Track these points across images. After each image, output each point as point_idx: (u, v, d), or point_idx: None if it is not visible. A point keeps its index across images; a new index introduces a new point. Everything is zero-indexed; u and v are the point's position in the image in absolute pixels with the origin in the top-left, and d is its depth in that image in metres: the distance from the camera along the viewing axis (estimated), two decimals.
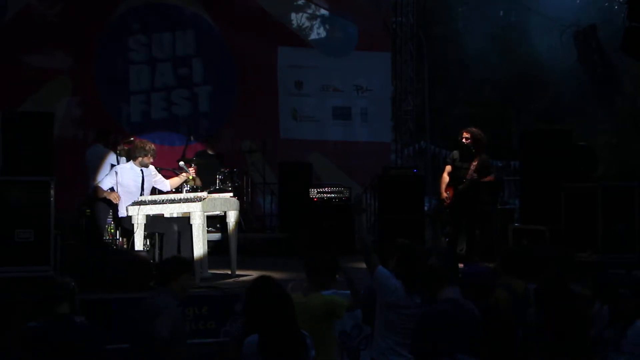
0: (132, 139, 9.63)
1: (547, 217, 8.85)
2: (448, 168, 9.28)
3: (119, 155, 9.23)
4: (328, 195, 11.11)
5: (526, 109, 21.65)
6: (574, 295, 5.14)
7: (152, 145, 8.19)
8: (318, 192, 11.15)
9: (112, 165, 8.94)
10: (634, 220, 8.43)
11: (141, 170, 8.12)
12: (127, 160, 8.50)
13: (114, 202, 7.94)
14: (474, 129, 9.17)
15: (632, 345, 4.92)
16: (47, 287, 4.74)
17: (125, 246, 8.07)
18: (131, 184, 8.03)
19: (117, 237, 8.26)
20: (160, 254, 7.80)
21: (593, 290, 5.55)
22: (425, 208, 10.73)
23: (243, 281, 7.84)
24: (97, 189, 8.16)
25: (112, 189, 8.02)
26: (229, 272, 8.12)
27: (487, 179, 9.04)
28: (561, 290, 5.01)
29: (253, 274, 8.23)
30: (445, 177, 9.22)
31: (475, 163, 8.97)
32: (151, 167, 8.26)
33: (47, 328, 4.47)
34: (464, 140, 9.08)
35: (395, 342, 4.82)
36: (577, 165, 9.21)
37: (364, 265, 5.10)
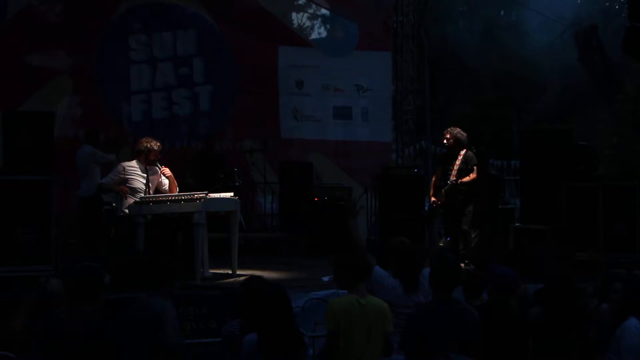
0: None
1: (548, 217, 8.85)
2: (438, 171, 9.33)
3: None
4: (329, 195, 11.10)
5: (526, 108, 21.65)
6: (578, 295, 5.15)
7: (157, 143, 8.18)
8: (319, 192, 11.14)
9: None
10: (634, 220, 8.43)
11: (146, 168, 8.12)
12: (132, 159, 8.46)
13: (122, 195, 7.92)
14: (454, 129, 9.20)
15: (618, 346, 4.88)
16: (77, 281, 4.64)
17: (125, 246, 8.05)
18: (136, 182, 8.03)
19: (118, 236, 8.24)
20: (162, 254, 7.78)
21: (595, 290, 5.56)
22: (426, 208, 10.73)
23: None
24: (102, 185, 8.15)
25: None
26: (230, 272, 8.11)
27: (467, 179, 9.00)
28: (566, 290, 5.01)
29: (254, 274, 8.24)
30: (435, 181, 9.29)
31: (457, 162, 8.99)
32: (154, 167, 8.25)
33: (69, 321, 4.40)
34: (445, 141, 9.15)
35: (395, 341, 4.82)
36: (577, 165, 9.20)
37: None
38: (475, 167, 9.04)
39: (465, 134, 9.15)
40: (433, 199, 9.18)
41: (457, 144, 9.06)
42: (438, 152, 16.01)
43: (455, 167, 8.95)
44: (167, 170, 8.16)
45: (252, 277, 4.35)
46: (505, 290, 4.99)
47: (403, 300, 4.88)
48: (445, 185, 9.03)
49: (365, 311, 4.60)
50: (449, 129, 9.21)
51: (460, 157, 8.98)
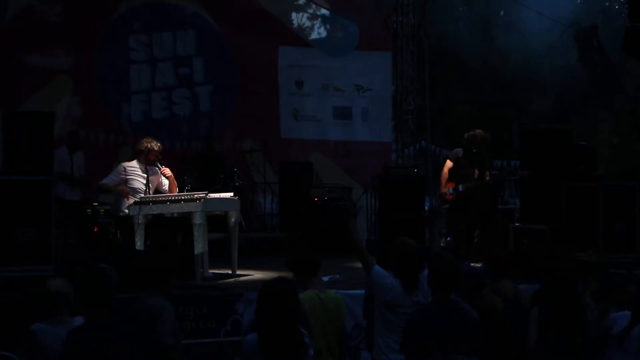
0: None
1: (548, 217, 8.86)
2: (449, 163, 9.30)
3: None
4: (329, 195, 11.10)
5: (526, 108, 21.65)
6: (578, 296, 5.15)
7: (157, 144, 8.19)
8: (319, 192, 11.14)
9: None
10: (634, 220, 8.43)
11: (146, 168, 8.12)
12: (132, 159, 8.46)
13: (124, 196, 7.92)
14: (481, 131, 9.25)
15: (635, 346, 4.91)
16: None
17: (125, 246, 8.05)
18: (136, 182, 8.03)
19: (118, 236, 8.25)
20: (162, 254, 7.77)
21: (599, 290, 5.56)
22: (426, 207, 10.74)
23: (244, 281, 7.85)
24: (102, 186, 8.14)
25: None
26: (230, 272, 8.12)
27: (488, 179, 9.11)
28: (563, 290, 5.00)
29: (253, 274, 8.25)
30: (446, 173, 9.27)
31: (480, 163, 9.07)
32: (154, 167, 8.24)
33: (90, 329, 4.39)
34: (478, 141, 9.16)
35: (394, 340, 4.83)
36: (577, 165, 9.21)
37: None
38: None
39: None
40: (445, 190, 9.20)
41: (484, 147, 9.17)
42: (438, 151, 16.04)
43: (478, 170, 9.05)
44: (167, 171, 8.16)
45: (276, 277, 4.31)
46: (471, 289, 5.05)
47: (403, 299, 4.87)
48: (462, 181, 9.06)
49: (325, 305, 4.87)
50: (478, 131, 9.28)
51: (482, 159, 9.08)
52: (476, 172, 9.06)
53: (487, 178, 9.17)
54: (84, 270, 4.87)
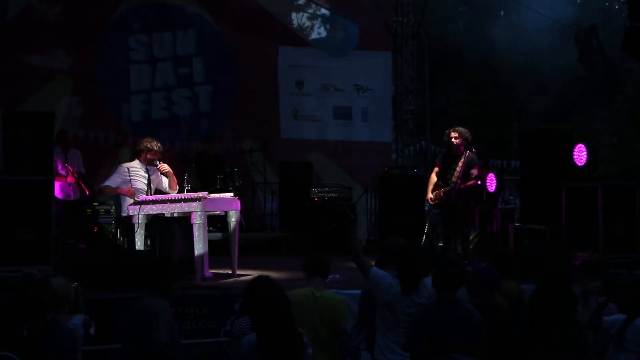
0: None
1: (548, 217, 8.85)
2: (436, 168, 9.23)
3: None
4: (329, 195, 11.10)
5: (526, 108, 21.65)
6: (570, 296, 5.14)
7: (158, 144, 8.18)
8: (319, 192, 11.14)
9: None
10: (634, 219, 8.43)
11: (147, 168, 8.12)
12: (132, 159, 8.45)
13: (130, 196, 7.90)
14: (461, 129, 9.06)
15: (634, 344, 4.92)
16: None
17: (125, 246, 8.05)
18: (138, 183, 8.03)
19: (118, 236, 8.25)
20: (161, 255, 7.79)
21: (602, 289, 5.55)
22: (426, 208, 10.72)
23: (244, 281, 7.84)
24: (106, 188, 8.12)
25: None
26: (230, 272, 8.12)
27: (470, 183, 8.97)
28: (562, 290, 4.99)
29: (254, 274, 8.22)
30: (433, 178, 9.17)
31: (461, 163, 8.87)
32: (154, 167, 8.24)
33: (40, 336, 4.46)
34: (452, 140, 8.98)
35: (394, 340, 4.84)
36: (577, 165, 9.20)
37: None
38: (476, 169, 9.01)
39: (470, 134, 9.08)
40: (431, 195, 9.09)
41: (463, 145, 8.95)
42: (438, 151, 16.04)
43: (458, 169, 8.85)
44: (164, 166, 8.11)
45: (258, 276, 4.39)
46: (488, 287, 5.05)
47: (402, 299, 4.87)
48: (446, 185, 8.94)
49: (319, 303, 4.96)
50: (456, 128, 9.04)
51: (463, 159, 8.88)
52: (456, 173, 8.88)
53: (472, 181, 9.00)
54: (20, 282, 4.92)
